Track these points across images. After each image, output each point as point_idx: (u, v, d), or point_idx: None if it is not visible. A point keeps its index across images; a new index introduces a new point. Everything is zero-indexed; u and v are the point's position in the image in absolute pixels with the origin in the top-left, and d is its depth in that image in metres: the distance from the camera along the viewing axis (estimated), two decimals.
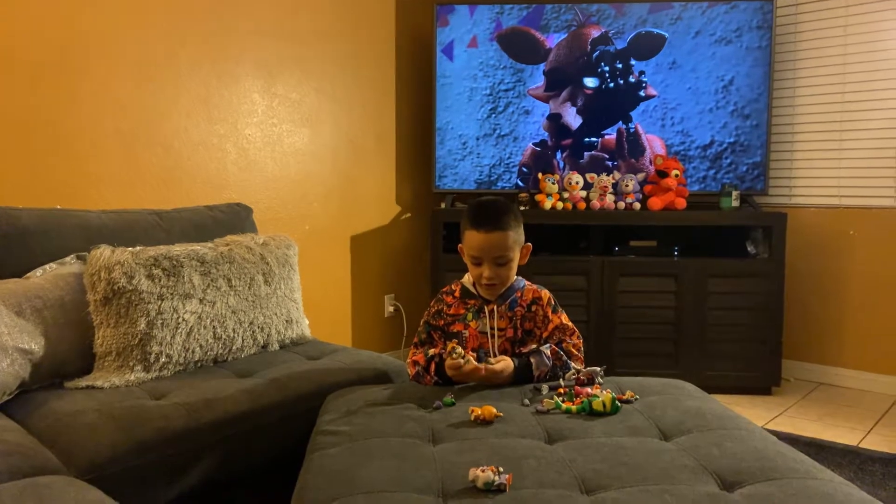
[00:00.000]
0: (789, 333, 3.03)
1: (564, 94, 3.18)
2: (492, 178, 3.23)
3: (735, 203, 3.00)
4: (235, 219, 2.23)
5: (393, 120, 3.35)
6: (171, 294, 1.71)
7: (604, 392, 1.39)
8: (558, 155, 3.21)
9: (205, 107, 2.56)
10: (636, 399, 1.44)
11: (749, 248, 3.00)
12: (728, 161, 3.11)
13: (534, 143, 3.21)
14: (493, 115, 3.20)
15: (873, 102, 2.98)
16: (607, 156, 3.19)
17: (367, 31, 3.19)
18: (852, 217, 3.06)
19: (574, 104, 3.18)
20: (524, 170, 3.21)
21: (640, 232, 3.12)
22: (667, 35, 3.10)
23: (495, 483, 1.02)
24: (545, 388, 1.49)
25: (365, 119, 3.20)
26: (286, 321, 1.98)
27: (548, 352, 1.57)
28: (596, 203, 3.06)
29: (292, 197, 2.90)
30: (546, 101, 3.20)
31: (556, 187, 3.07)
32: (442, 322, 1.67)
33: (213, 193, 2.58)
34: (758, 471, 1.08)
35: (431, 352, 1.62)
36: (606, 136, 3.19)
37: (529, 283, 1.69)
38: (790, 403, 2.85)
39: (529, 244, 1.65)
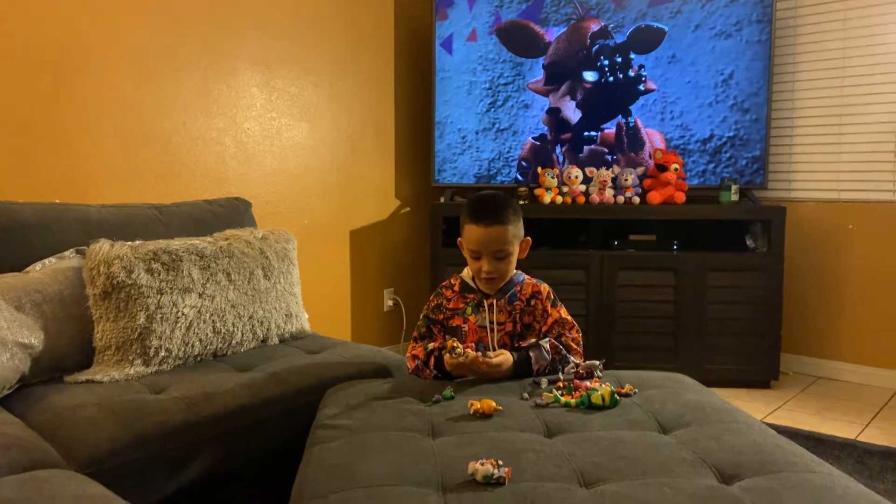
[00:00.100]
0: (788, 327, 3.04)
1: (564, 87, 3.18)
2: (491, 173, 3.22)
3: (734, 197, 3.00)
4: (234, 213, 2.22)
5: (392, 114, 3.34)
6: (171, 288, 1.71)
7: (603, 386, 1.39)
8: (558, 149, 3.21)
9: (203, 101, 2.55)
10: (635, 393, 1.44)
11: (748, 242, 3.00)
12: (727, 155, 3.11)
13: (533, 138, 3.20)
14: (493, 109, 3.20)
15: (872, 96, 2.98)
16: (607, 150, 3.18)
17: (366, 25, 3.18)
18: (851, 211, 3.06)
19: (573, 98, 3.18)
20: (523, 164, 3.21)
21: (639, 226, 3.12)
22: (666, 29, 3.09)
23: (494, 476, 1.02)
24: (544, 381, 1.49)
25: (364, 113, 3.20)
26: (286, 315, 1.99)
27: (547, 346, 1.58)
28: (595, 197, 3.06)
29: (291, 191, 2.90)
30: (545, 94, 3.19)
31: (555, 181, 3.06)
32: (441, 316, 1.67)
33: (212, 188, 2.57)
34: (756, 464, 1.08)
35: (431, 346, 1.62)
36: (606, 130, 3.18)
37: (529, 277, 1.69)
38: (789, 397, 2.85)
39: (529, 238, 1.65)
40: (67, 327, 1.64)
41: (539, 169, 3.10)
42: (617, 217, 3.06)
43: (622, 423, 1.28)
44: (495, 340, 1.61)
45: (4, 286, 1.58)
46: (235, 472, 1.51)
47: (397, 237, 3.43)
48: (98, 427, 1.35)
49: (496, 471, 1.03)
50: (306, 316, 2.10)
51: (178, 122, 2.48)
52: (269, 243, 1.98)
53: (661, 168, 3.02)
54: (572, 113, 3.18)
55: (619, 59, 3.13)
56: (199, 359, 1.76)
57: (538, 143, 3.20)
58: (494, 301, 1.63)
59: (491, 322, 1.62)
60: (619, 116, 3.16)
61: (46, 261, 1.73)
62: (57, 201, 1.94)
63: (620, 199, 3.05)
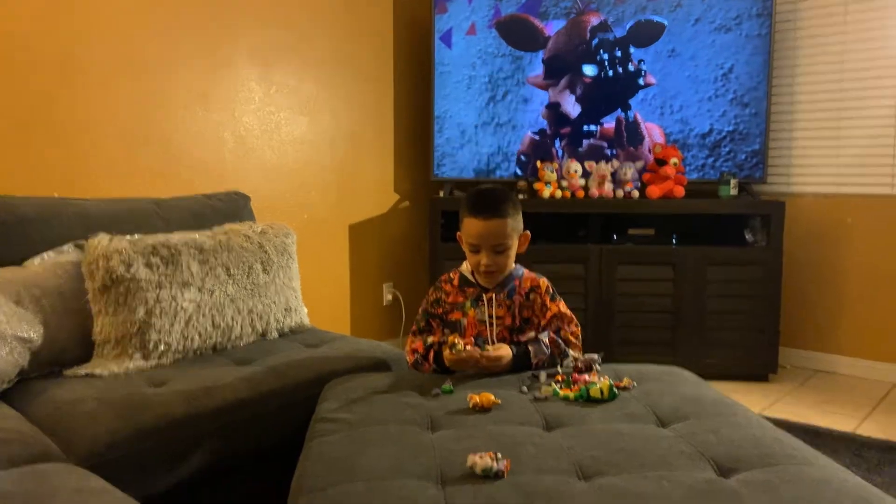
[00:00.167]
0: (787, 321, 3.04)
1: (563, 82, 3.17)
2: (490, 167, 3.22)
3: (733, 191, 3.00)
4: (233, 207, 2.22)
5: (391, 108, 3.33)
6: (170, 282, 1.71)
7: (601, 379, 1.40)
8: (557, 143, 3.20)
9: (201, 95, 2.55)
10: (634, 386, 1.44)
11: (747, 237, 3.00)
12: (727, 149, 3.10)
13: (532, 132, 3.20)
14: (492, 104, 3.19)
15: (872, 90, 2.97)
16: (606, 144, 3.18)
17: (365, 18, 3.17)
18: (850, 205, 3.06)
19: (573, 92, 3.17)
20: (523, 158, 3.21)
21: (638, 220, 3.12)
22: (666, 23, 3.09)
23: (493, 469, 1.02)
24: (543, 375, 1.50)
25: (363, 107, 3.19)
26: (285, 309, 1.99)
27: (546, 340, 1.58)
28: (594, 191, 3.06)
29: (290, 185, 2.89)
30: (545, 89, 3.19)
31: (554, 175, 3.06)
32: (440, 310, 1.67)
33: (211, 182, 2.57)
34: (755, 457, 1.08)
35: (430, 340, 1.63)
36: (605, 125, 3.18)
37: (528, 271, 1.69)
38: (787, 390, 2.86)
39: (528, 232, 1.65)
40: (66, 321, 1.64)
41: (538, 163, 3.10)
42: (616, 211, 3.06)
43: (621, 416, 1.28)
44: (494, 334, 1.61)
45: (3, 280, 1.58)
46: (235, 466, 1.51)
47: (396, 231, 3.43)
48: (98, 421, 1.35)
49: (495, 464, 1.03)
50: (305, 310, 2.10)
51: (176, 116, 2.47)
52: (268, 237, 1.99)
53: (661, 162, 3.02)
54: (572, 107, 3.18)
55: (619, 54, 3.13)
56: (198, 353, 1.77)
57: (537, 138, 3.20)
58: (493, 295, 1.63)
59: (490, 316, 1.62)
60: (619, 111, 3.16)
61: (45, 255, 1.73)
62: (55, 195, 1.94)
63: (620, 193, 3.05)
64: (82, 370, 1.60)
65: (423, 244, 3.43)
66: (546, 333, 1.60)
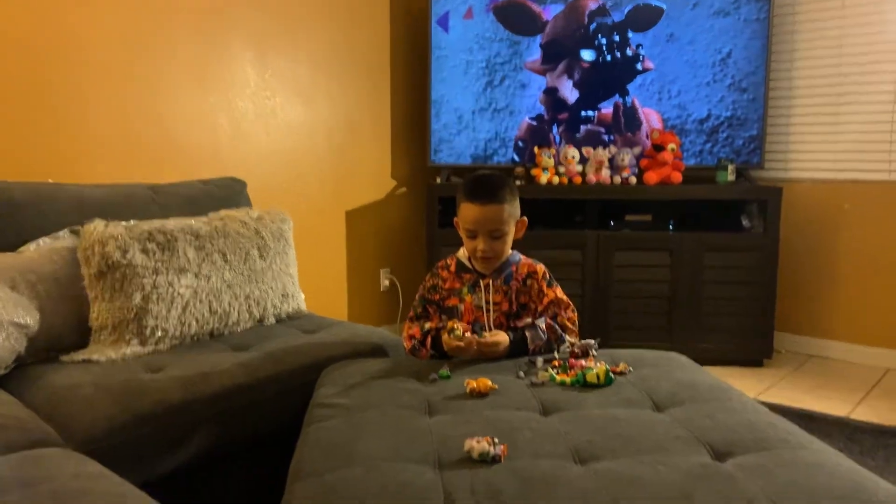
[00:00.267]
0: (782, 306, 3.05)
1: (561, 67, 3.15)
2: (488, 153, 3.21)
3: (731, 177, 2.99)
4: (229, 193, 2.22)
5: (388, 93, 3.31)
6: (166, 268, 1.70)
7: (598, 364, 1.40)
8: (554, 129, 3.19)
9: (197, 79, 2.53)
10: (630, 371, 1.45)
11: (744, 222, 3.00)
12: (724, 135, 3.10)
13: (530, 117, 3.19)
14: (489, 89, 3.18)
15: (870, 76, 2.96)
16: (604, 130, 3.17)
17: (361, 1, 3.14)
18: (846, 191, 3.06)
19: (571, 77, 3.16)
20: (520, 144, 3.20)
21: (635, 206, 3.12)
22: (664, 7, 3.07)
23: (490, 454, 1.03)
24: (540, 360, 1.50)
25: (359, 92, 3.17)
26: (282, 295, 1.99)
27: (543, 325, 1.58)
28: (592, 177, 3.05)
29: (287, 171, 2.88)
30: (542, 74, 3.17)
31: (552, 161, 3.06)
32: (437, 296, 1.67)
33: (207, 167, 2.56)
34: (750, 441, 1.09)
35: (427, 326, 1.63)
36: (603, 110, 3.16)
37: (525, 257, 1.69)
38: (782, 375, 2.88)
39: (525, 218, 1.64)
40: (63, 307, 1.64)
41: (536, 149, 3.09)
42: (613, 197, 3.05)
43: (617, 401, 1.29)
44: (491, 320, 1.62)
45: None
46: (232, 452, 1.52)
47: (393, 217, 3.42)
48: (95, 406, 1.35)
49: (492, 449, 1.03)
50: (302, 296, 2.10)
51: (171, 99, 2.45)
52: (264, 223, 1.98)
53: (658, 148, 3.01)
54: (569, 92, 3.16)
55: (617, 38, 3.11)
56: (195, 338, 1.77)
57: (535, 123, 3.19)
58: (490, 281, 1.63)
59: (487, 302, 1.62)
60: (617, 96, 3.15)
61: (41, 241, 1.72)
62: (50, 181, 1.93)
63: (617, 179, 3.05)
64: (79, 356, 1.60)
65: (420, 230, 3.43)
66: (543, 319, 1.60)
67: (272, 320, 1.96)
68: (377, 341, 1.85)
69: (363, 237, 3.26)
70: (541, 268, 1.67)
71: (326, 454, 1.10)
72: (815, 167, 3.14)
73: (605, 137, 3.16)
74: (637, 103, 3.14)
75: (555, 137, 3.19)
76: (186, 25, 2.47)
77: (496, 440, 1.06)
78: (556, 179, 3.05)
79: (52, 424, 1.29)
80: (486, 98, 3.18)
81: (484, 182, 1.59)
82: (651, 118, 3.14)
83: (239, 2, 2.63)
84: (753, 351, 2.96)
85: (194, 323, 1.74)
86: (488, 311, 1.62)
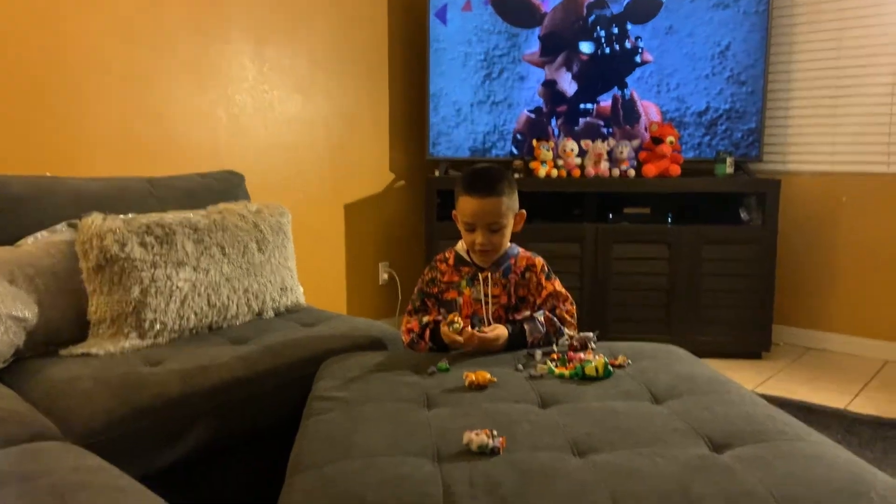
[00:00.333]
0: (780, 298, 3.06)
1: (560, 59, 3.15)
2: (486, 146, 3.20)
3: (729, 170, 2.99)
4: (228, 186, 2.21)
5: (386, 86, 3.30)
6: (165, 262, 1.70)
7: (596, 357, 1.40)
8: (553, 122, 3.18)
9: (194, 72, 2.52)
10: (629, 364, 1.45)
11: (742, 215, 3.00)
12: (723, 128, 3.09)
13: (528, 110, 3.18)
14: (488, 81, 3.17)
15: (868, 68, 2.96)
16: (602, 122, 3.16)
17: None
18: (845, 183, 3.06)
19: (569, 70, 3.15)
20: (519, 137, 3.19)
21: (634, 199, 3.11)
22: None
23: (489, 446, 1.03)
24: (538, 353, 1.50)
25: (357, 85, 3.16)
26: (280, 289, 1.98)
27: (541, 318, 1.58)
28: (590, 170, 3.05)
29: (285, 164, 2.88)
30: (541, 66, 3.16)
31: (550, 154, 3.05)
32: (436, 290, 1.67)
33: (205, 161, 2.55)
34: (748, 433, 1.09)
35: (426, 319, 1.63)
36: (602, 103, 3.16)
37: (523, 250, 1.69)
38: (780, 367, 2.89)
39: (524, 211, 1.64)
40: (61, 301, 1.64)
41: (534, 142, 3.09)
42: (612, 190, 3.05)
43: (615, 394, 1.29)
44: (490, 313, 1.62)
45: None
46: (231, 445, 1.52)
47: (392, 211, 3.42)
48: (94, 400, 1.35)
49: (491, 441, 1.04)
50: (301, 289, 2.10)
51: (169, 93, 2.44)
52: (263, 217, 1.98)
53: (657, 141, 3.00)
54: (568, 85, 3.16)
55: (616, 30, 3.10)
56: (194, 332, 1.77)
57: (533, 116, 3.18)
58: (489, 274, 1.63)
59: (486, 295, 1.62)
60: (616, 88, 3.14)
61: (38, 234, 1.72)
62: (48, 174, 1.92)
63: (616, 172, 3.04)
64: (78, 349, 1.60)
65: (418, 223, 3.42)
66: (542, 312, 1.60)
67: (271, 314, 1.96)
68: (376, 334, 1.85)
69: (362, 230, 3.25)
70: (539, 261, 1.66)
71: (325, 447, 1.10)
72: (814, 160, 3.13)
73: (604, 130, 3.16)
74: (636, 96, 3.13)
75: (553, 130, 3.18)
76: (184, 19, 2.46)
77: (495, 433, 1.06)
78: (554, 172, 3.04)
79: (50, 418, 1.29)
80: (485, 91, 3.17)
81: (482, 175, 1.58)
82: (650, 111, 3.13)
83: None
84: (752, 343, 2.96)
85: (193, 316, 1.74)
86: (487, 304, 1.62)
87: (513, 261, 1.65)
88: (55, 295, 1.63)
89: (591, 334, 1.54)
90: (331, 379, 1.42)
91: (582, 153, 3.08)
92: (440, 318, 1.60)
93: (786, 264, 3.13)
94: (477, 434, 1.05)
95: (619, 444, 1.07)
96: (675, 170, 3.00)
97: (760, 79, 3.03)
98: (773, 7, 3.03)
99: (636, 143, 3.09)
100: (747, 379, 2.71)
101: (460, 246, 1.68)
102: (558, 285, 1.66)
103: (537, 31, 3.14)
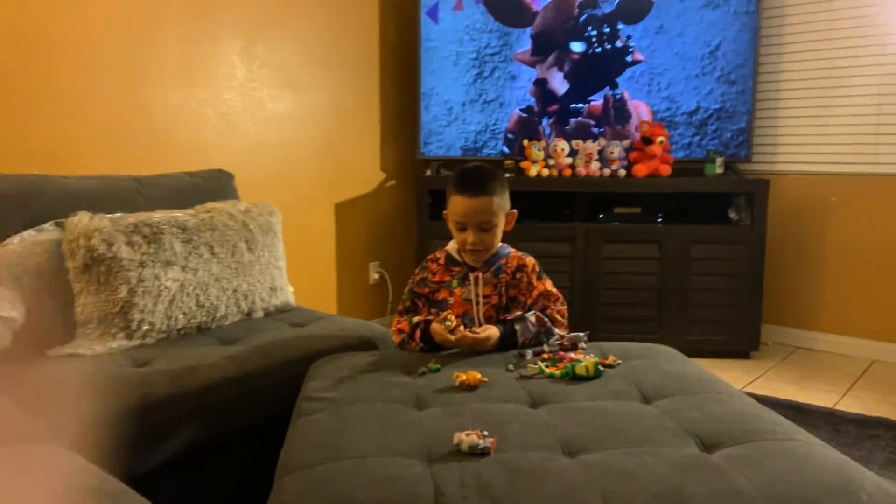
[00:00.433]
0: (769, 298, 3.07)
1: (551, 58, 3.15)
2: (477, 145, 3.20)
3: (719, 170, 3.00)
4: (217, 185, 2.20)
5: (377, 84, 3.29)
6: (153, 261, 1.68)
7: (587, 357, 1.40)
8: (544, 121, 3.19)
9: (183, 69, 2.50)
10: (619, 364, 1.45)
11: (731, 215, 3.01)
12: (713, 127, 3.11)
13: (520, 109, 3.18)
14: (479, 80, 3.16)
15: (857, 69, 2.98)
16: (593, 122, 3.17)
17: None
18: (833, 183, 3.08)
19: (561, 69, 3.15)
20: (510, 136, 3.19)
21: (624, 199, 3.12)
22: None
23: (480, 447, 1.03)
24: (529, 353, 1.50)
25: (348, 83, 3.15)
26: (270, 289, 1.97)
27: (532, 318, 1.58)
28: (581, 170, 3.05)
29: (275, 164, 2.86)
30: (532, 65, 3.16)
31: (541, 154, 3.05)
32: (426, 290, 1.67)
33: (194, 159, 2.53)
34: (737, 433, 1.10)
35: (416, 319, 1.62)
36: (593, 103, 3.16)
37: (514, 250, 1.69)
38: (769, 367, 2.90)
39: (515, 211, 1.64)
40: (48, 301, 1.62)
41: (525, 141, 3.09)
42: (602, 190, 3.06)
43: (606, 393, 1.29)
44: (481, 313, 1.62)
45: None
46: (221, 445, 1.51)
47: (383, 210, 3.41)
48: (81, 400, 1.33)
49: (481, 441, 1.03)
50: (291, 289, 2.09)
51: (157, 91, 2.42)
52: (252, 216, 1.96)
53: (647, 141, 3.01)
54: (559, 84, 3.16)
55: (607, 30, 3.10)
56: (182, 332, 1.75)
57: (525, 115, 3.18)
58: (480, 274, 1.62)
59: (476, 295, 1.62)
60: (607, 88, 3.15)
61: (25, 233, 1.70)
62: (35, 172, 1.90)
63: (606, 171, 3.05)
64: (65, 350, 1.58)
65: (409, 223, 3.42)
66: (533, 312, 1.60)
67: (260, 314, 1.95)
68: (366, 335, 1.84)
69: (352, 230, 3.24)
70: (530, 261, 1.66)
71: (315, 448, 1.09)
72: (803, 160, 3.15)
73: (595, 130, 3.16)
74: (626, 95, 3.14)
75: (544, 130, 3.19)
76: (173, 16, 2.44)
77: (485, 433, 1.06)
78: (545, 172, 3.05)
79: (37, 419, 1.28)
80: (476, 90, 3.17)
81: (473, 174, 1.58)
82: (640, 110, 3.14)
83: None
84: (741, 343, 2.98)
85: (181, 316, 1.73)
86: (478, 304, 1.62)
87: (504, 261, 1.65)
88: (42, 294, 1.61)
89: (581, 334, 1.54)
90: (321, 379, 1.41)
91: (573, 153, 3.09)
92: (431, 318, 1.60)
93: (774, 264, 3.14)
94: (468, 434, 1.04)
95: (609, 443, 1.07)
96: (666, 170, 3.01)
97: (750, 79, 3.05)
98: (762, 7, 3.04)
99: (627, 142, 3.10)
100: (736, 378, 2.72)
101: (451, 246, 1.67)
102: (549, 285, 1.66)
103: (529, 30, 3.14)
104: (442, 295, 1.65)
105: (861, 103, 2.99)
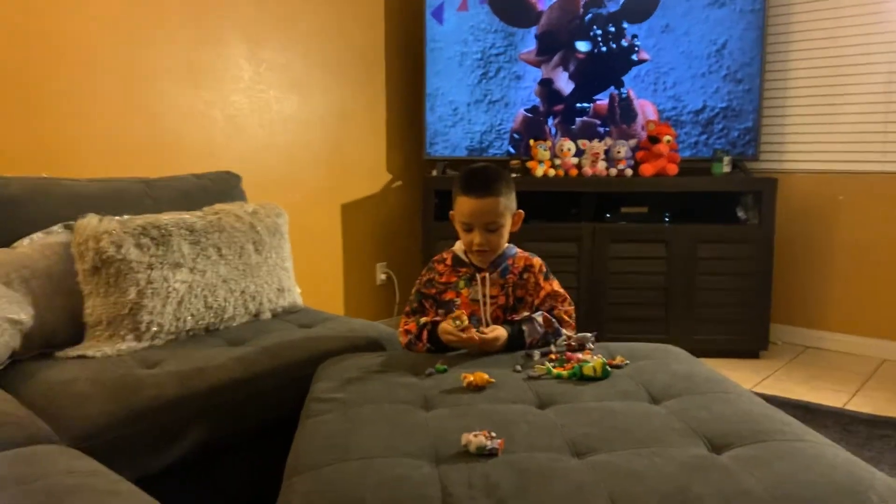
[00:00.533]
0: (777, 297, 3.06)
1: (556, 58, 3.14)
2: (483, 145, 3.20)
3: (726, 169, 2.99)
4: (224, 187, 2.20)
5: (383, 85, 3.30)
6: (161, 263, 1.69)
7: (594, 357, 1.40)
8: (550, 121, 3.18)
9: (190, 71, 2.51)
10: (626, 364, 1.45)
11: (739, 214, 3.00)
12: (720, 126, 3.09)
13: (525, 109, 3.18)
14: (484, 81, 3.16)
15: (865, 66, 2.96)
16: (599, 122, 3.16)
17: None
18: (841, 182, 3.06)
19: (566, 69, 3.15)
20: (516, 136, 3.19)
21: (631, 198, 3.11)
22: None
23: (488, 448, 1.03)
24: (536, 354, 1.50)
25: (354, 85, 3.16)
26: (278, 290, 1.98)
27: (540, 319, 1.58)
28: (588, 170, 3.05)
29: (281, 165, 2.87)
30: (538, 65, 3.16)
31: (547, 154, 3.05)
32: (433, 290, 1.67)
33: (201, 161, 2.54)
34: (746, 433, 1.09)
35: (423, 320, 1.62)
36: (598, 102, 3.16)
37: (521, 250, 1.68)
38: (778, 367, 2.89)
39: (521, 211, 1.64)
40: (57, 303, 1.63)
41: (531, 141, 3.08)
42: (609, 189, 3.05)
43: (613, 394, 1.29)
44: (488, 314, 1.61)
45: None
46: (229, 446, 1.52)
47: (389, 211, 3.41)
48: (91, 402, 1.35)
49: (489, 442, 1.03)
50: (298, 290, 2.10)
51: (165, 94, 2.44)
52: (259, 217, 1.97)
53: (654, 140, 3.00)
54: (565, 84, 3.16)
55: (612, 29, 3.10)
56: (191, 334, 1.76)
57: (530, 115, 3.18)
58: (487, 274, 1.62)
59: (483, 295, 1.62)
60: (612, 87, 3.14)
61: (34, 236, 1.71)
62: (44, 175, 1.91)
63: (613, 171, 3.04)
64: (74, 352, 1.59)
65: (416, 223, 3.42)
66: (540, 313, 1.60)
67: (268, 315, 1.95)
68: (373, 335, 1.85)
69: (359, 231, 3.25)
70: (537, 261, 1.66)
71: (323, 449, 1.09)
72: (811, 158, 3.14)
73: (601, 129, 3.16)
74: (632, 95, 3.13)
75: (550, 129, 3.18)
76: (180, 19, 2.45)
77: (493, 434, 1.06)
78: (551, 172, 3.04)
79: (47, 421, 1.29)
80: (482, 90, 3.17)
81: (479, 175, 1.58)
82: (646, 110, 3.13)
83: None
84: (749, 342, 2.97)
85: (190, 318, 1.74)
86: (485, 304, 1.62)
87: (511, 261, 1.64)
88: (51, 297, 1.62)
89: (589, 335, 1.54)
90: (328, 380, 1.42)
91: (579, 153, 3.08)
92: (438, 318, 1.60)
93: (783, 263, 3.13)
94: (475, 435, 1.04)
95: (617, 444, 1.07)
96: (672, 169, 3.00)
97: (757, 77, 3.03)
98: (769, 5, 3.03)
99: (633, 142, 3.09)
100: (745, 378, 2.71)
101: (458, 247, 1.67)
102: (557, 285, 1.65)
103: (534, 30, 3.13)
104: (449, 296, 1.64)
105: (869, 100, 2.97)
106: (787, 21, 3.13)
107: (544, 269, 1.66)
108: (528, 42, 3.14)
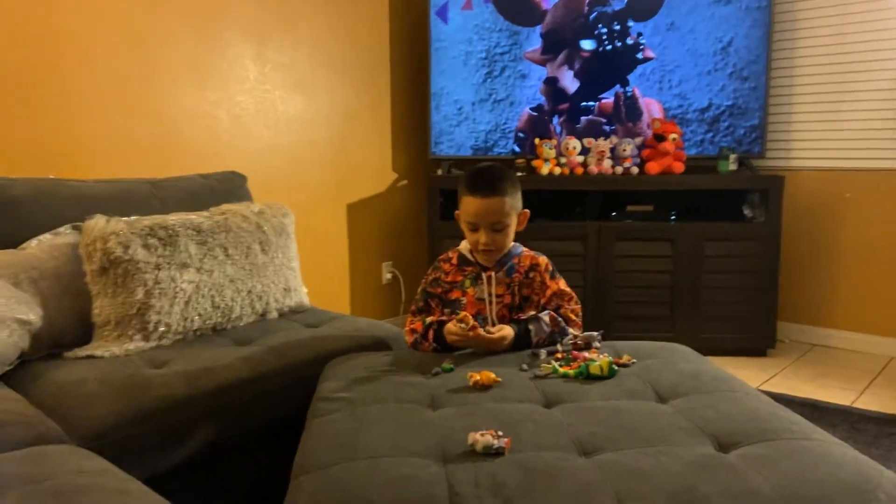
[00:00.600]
0: (784, 295, 3.05)
1: (561, 57, 3.14)
2: (488, 144, 3.20)
3: (732, 166, 2.98)
4: (230, 187, 2.21)
5: (388, 85, 3.30)
6: (168, 263, 1.70)
7: (601, 356, 1.40)
8: (555, 120, 3.18)
9: (195, 72, 2.52)
10: (633, 363, 1.45)
11: (745, 212, 2.99)
12: (726, 124, 3.08)
13: (530, 108, 3.17)
14: (489, 80, 3.16)
15: (871, 63, 2.95)
16: (605, 120, 3.16)
17: None
18: (848, 179, 3.05)
19: (571, 67, 3.14)
20: (521, 135, 3.19)
21: (637, 196, 3.11)
22: None
23: (494, 447, 1.03)
24: (543, 353, 1.50)
25: (359, 84, 3.16)
26: (284, 289, 1.98)
27: (546, 318, 1.58)
28: (593, 168, 3.04)
29: (287, 165, 2.88)
30: (543, 64, 3.15)
31: (553, 152, 3.04)
32: (439, 290, 1.67)
33: (207, 161, 2.55)
34: (753, 432, 1.09)
35: (429, 319, 1.62)
36: (604, 100, 3.15)
37: (527, 249, 1.68)
38: (785, 365, 2.88)
39: (527, 210, 1.64)
40: (65, 303, 1.64)
41: (537, 140, 3.08)
42: (615, 188, 3.05)
43: (620, 392, 1.29)
44: (494, 313, 1.61)
45: (1, 263, 1.57)
46: (236, 446, 1.52)
47: (395, 210, 3.42)
48: (99, 402, 1.35)
49: (496, 441, 1.03)
50: (305, 290, 2.10)
51: (170, 95, 2.44)
52: (265, 217, 1.98)
53: (660, 138, 3.00)
54: (570, 82, 3.15)
55: (618, 27, 3.09)
56: (198, 333, 1.77)
57: (535, 114, 3.17)
58: (493, 274, 1.62)
59: (489, 294, 1.62)
60: (618, 86, 3.13)
61: (42, 237, 1.72)
62: (51, 176, 1.92)
63: (618, 169, 3.04)
64: (83, 352, 1.60)
65: (421, 222, 3.42)
66: (546, 312, 1.60)
67: (275, 314, 1.96)
68: (380, 335, 1.85)
69: (365, 230, 3.25)
70: (543, 260, 1.66)
71: (331, 448, 1.10)
72: (817, 156, 3.12)
73: (606, 128, 3.15)
74: (638, 93, 3.12)
75: (556, 128, 3.18)
76: (185, 20, 2.46)
77: (500, 433, 1.06)
78: (557, 170, 3.04)
79: (55, 420, 1.29)
80: (486, 89, 3.17)
81: (485, 174, 1.58)
82: (652, 108, 3.13)
83: None
84: (756, 341, 2.96)
85: (197, 318, 1.74)
86: (491, 303, 1.62)
87: (516, 260, 1.64)
88: (59, 297, 1.63)
89: (595, 333, 1.54)
90: (335, 380, 1.42)
91: (585, 151, 3.08)
92: (444, 318, 1.60)
93: (790, 261, 3.12)
94: (482, 435, 1.05)
95: (623, 443, 1.07)
96: (678, 167, 2.99)
97: (763, 74, 3.02)
98: (775, 2, 3.02)
99: (639, 140, 3.08)
100: (752, 376, 2.70)
101: (464, 246, 1.67)
102: (563, 284, 1.65)
103: (538, 28, 3.13)
104: (455, 295, 1.65)
105: (876, 97, 2.95)
106: (793, 18, 3.11)
107: (550, 268, 1.66)
108: (532, 41, 3.14)
